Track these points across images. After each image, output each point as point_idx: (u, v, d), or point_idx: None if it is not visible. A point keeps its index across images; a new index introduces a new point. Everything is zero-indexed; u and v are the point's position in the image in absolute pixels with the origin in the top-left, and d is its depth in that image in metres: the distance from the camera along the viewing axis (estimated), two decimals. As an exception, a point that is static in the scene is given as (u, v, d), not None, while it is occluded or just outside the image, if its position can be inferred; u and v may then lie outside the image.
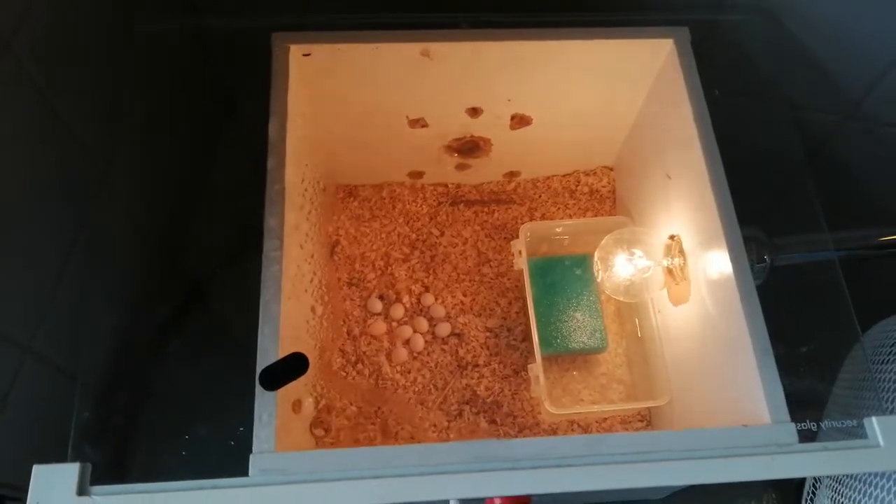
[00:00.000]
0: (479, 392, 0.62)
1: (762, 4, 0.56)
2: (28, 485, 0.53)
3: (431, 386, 0.63)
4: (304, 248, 0.50)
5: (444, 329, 0.65)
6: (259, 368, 0.41)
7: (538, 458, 0.39)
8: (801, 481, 0.62)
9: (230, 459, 0.39)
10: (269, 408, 0.40)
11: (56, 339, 0.53)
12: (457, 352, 0.64)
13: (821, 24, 0.57)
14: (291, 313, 0.45)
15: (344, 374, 0.62)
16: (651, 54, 0.55)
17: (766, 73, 0.58)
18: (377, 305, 0.66)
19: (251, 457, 0.39)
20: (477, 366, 0.63)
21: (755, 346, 0.44)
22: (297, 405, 0.46)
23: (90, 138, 0.54)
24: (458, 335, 0.65)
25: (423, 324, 0.65)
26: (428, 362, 0.64)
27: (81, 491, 0.38)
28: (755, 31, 0.58)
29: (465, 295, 0.66)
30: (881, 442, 0.41)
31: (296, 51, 0.51)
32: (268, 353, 0.42)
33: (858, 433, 0.42)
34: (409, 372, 0.63)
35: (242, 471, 0.38)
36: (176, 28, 0.58)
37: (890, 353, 0.52)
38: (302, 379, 0.43)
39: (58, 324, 0.52)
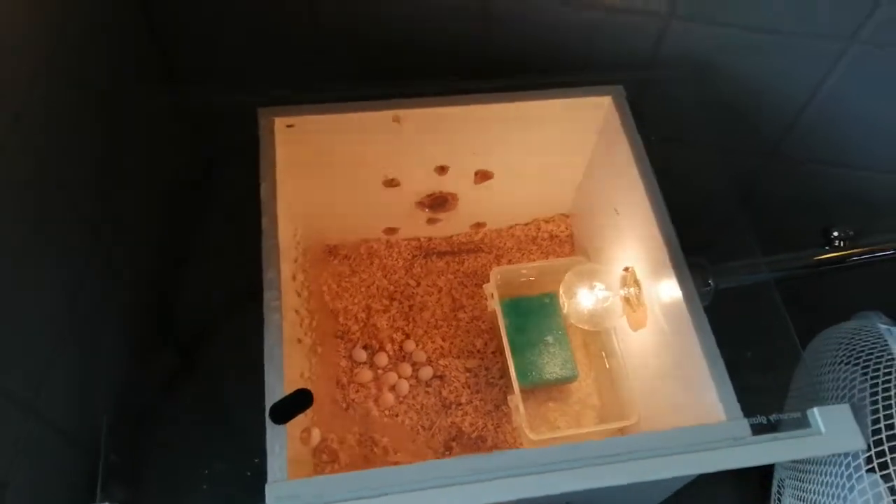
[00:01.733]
0: (464, 428, 0.67)
1: (688, 63, 0.65)
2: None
3: (419, 427, 0.67)
4: (300, 295, 0.55)
5: (426, 373, 0.69)
6: (267, 405, 0.45)
7: (525, 466, 0.44)
8: (768, 491, 0.67)
9: (247, 490, 0.42)
10: (280, 440, 0.44)
11: (56, 400, 0.56)
12: (440, 393, 0.69)
13: (739, 79, 0.66)
14: (294, 353, 0.50)
15: (342, 407, 0.65)
16: (593, 110, 0.62)
17: (695, 121, 0.66)
18: (362, 355, 0.70)
19: (266, 486, 0.43)
20: (460, 404, 0.68)
21: (706, 355, 0.49)
22: (305, 435, 0.50)
23: (86, 204, 0.58)
24: (441, 377, 0.69)
25: (407, 369, 0.70)
26: (414, 405, 0.68)
27: (111, 528, 0.41)
28: (684, 85, 0.66)
29: (443, 339, 0.71)
30: (822, 429, 0.47)
31: (280, 122, 0.57)
32: (274, 392, 0.46)
33: (803, 424, 0.48)
34: (397, 415, 0.67)
35: (260, 500, 0.42)
36: (161, 99, 0.64)
37: (828, 358, 0.58)
38: (308, 412, 0.47)
39: (57, 384, 0.55)
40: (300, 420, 0.48)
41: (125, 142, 0.62)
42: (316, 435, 0.54)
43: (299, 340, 0.61)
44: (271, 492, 0.42)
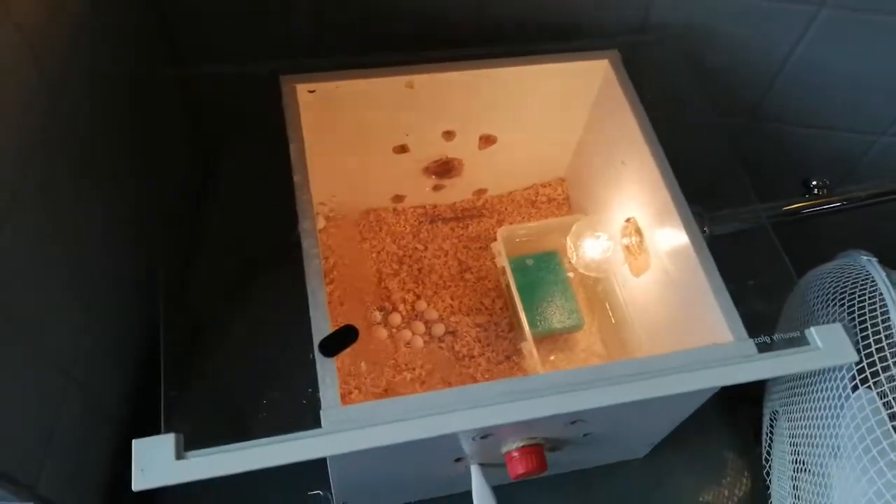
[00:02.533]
0: (477, 378, 0.70)
1: (675, 28, 0.70)
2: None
3: (436, 378, 0.70)
4: (330, 237, 0.58)
5: (439, 329, 0.73)
6: (315, 342, 0.48)
7: (556, 386, 0.48)
8: (759, 428, 0.72)
9: (301, 418, 0.46)
10: (330, 372, 0.47)
11: (93, 369, 0.58)
12: (453, 347, 0.72)
13: (722, 43, 0.71)
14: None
15: (360, 384, 0.69)
16: (591, 73, 0.67)
17: (682, 84, 0.71)
18: (377, 316, 0.73)
19: (321, 412, 0.46)
20: (473, 356, 0.72)
21: (711, 284, 0.54)
22: (353, 367, 0.53)
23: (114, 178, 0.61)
24: (453, 333, 0.73)
25: (420, 327, 0.73)
26: (430, 359, 0.71)
27: (179, 456, 0.44)
28: (671, 50, 0.71)
29: (452, 299, 0.75)
30: (819, 345, 0.51)
31: (301, 88, 0.61)
32: (321, 330, 0.49)
33: (801, 343, 0.52)
34: (414, 369, 0.71)
35: (315, 424, 0.45)
36: (169, 75, 0.66)
37: (814, 292, 0.64)
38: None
39: (93, 353, 0.58)
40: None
41: (138, 117, 0.64)
42: (362, 367, 0.57)
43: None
44: (326, 417, 0.46)
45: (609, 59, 0.66)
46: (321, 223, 0.60)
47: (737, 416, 0.76)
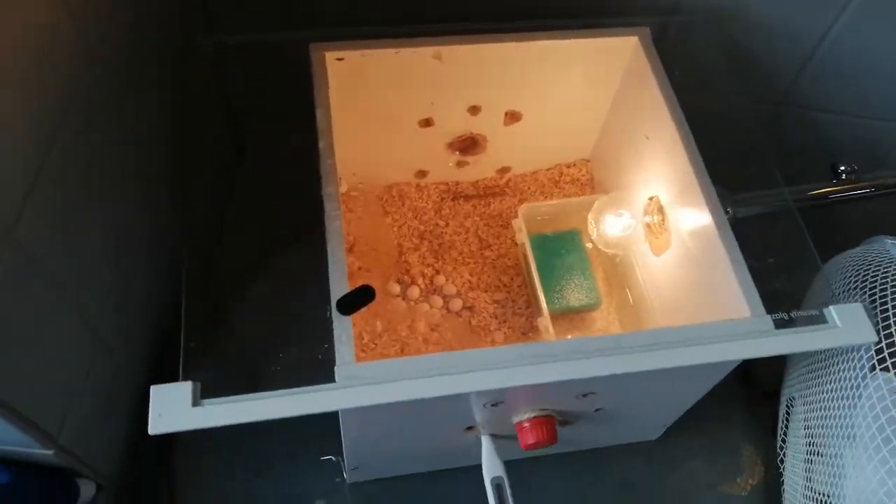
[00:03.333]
0: (494, 352, 0.71)
1: (707, 9, 0.69)
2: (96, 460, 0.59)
3: (453, 348, 0.71)
4: (351, 211, 0.59)
5: (456, 304, 0.73)
6: (333, 300, 0.49)
7: (572, 352, 0.48)
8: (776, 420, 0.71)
9: (316, 373, 0.46)
10: (346, 329, 0.48)
11: (118, 327, 0.60)
12: (470, 322, 0.73)
13: (754, 26, 0.70)
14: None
15: (374, 345, 0.69)
16: (620, 50, 0.67)
17: (712, 65, 0.70)
18: (396, 288, 0.74)
19: (336, 368, 0.46)
20: (489, 331, 0.72)
21: (731, 260, 0.54)
22: (369, 326, 0.54)
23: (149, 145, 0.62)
24: (470, 308, 0.73)
25: (438, 301, 0.74)
26: (446, 332, 0.72)
27: (195, 403, 0.45)
28: (700, 31, 0.70)
29: (471, 275, 0.75)
30: (838, 323, 0.51)
31: (330, 56, 0.61)
32: (339, 288, 0.50)
33: (821, 321, 0.52)
34: (430, 342, 0.71)
35: (329, 380, 0.46)
36: (204, 43, 0.67)
37: (838, 277, 0.63)
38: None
39: (119, 315, 0.59)
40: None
41: (174, 88, 0.66)
42: (378, 326, 0.58)
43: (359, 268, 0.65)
44: (340, 372, 0.46)
45: (639, 35, 0.66)
46: (344, 188, 0.61)
47: (753, 406, 0.76)
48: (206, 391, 0.45)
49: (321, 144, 0.56)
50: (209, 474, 0.69)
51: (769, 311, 0.52)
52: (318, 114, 0.58)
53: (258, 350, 0.56)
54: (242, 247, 0.69)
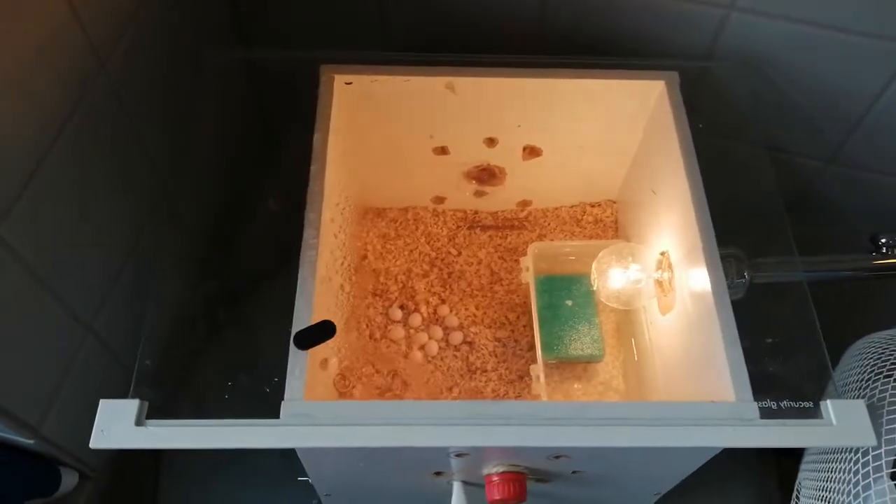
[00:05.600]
0: (485, 393, 0.68)
1: (747, 56, 0.65)
2: (79, 451, 0.60)
3: (443, 387, 0.69)
4: (337, 237, 0.58)
5: (456, 337, 0.71)
6: (294, 331, 0.48)
7: (527, 418, 0.45)
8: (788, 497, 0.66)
9: (265, 406, 0.46)
10: (300, 364, 0.47)
11: (115, 324, 0.61)
12: (467, 358, 0.71)
13: (800, 75, 0.65)
14: (323, 290, 0.52)
15: (371, 359, 0.68)
16: (645, 94, 0.63)
17: (749, 117, 0.66)
18: (398, 314, 0.73)
19: (283, 403, 0.46)
20: (485, 371, 0.70)
21: (724, 337, 0.50)
22: (324, 363, 0.53)
23: (156, 151, 0.63)
24: (470, 343, 0.71)
25: (438, 332, 0.72)
26: (441, 366, 0.70)
27: (139, 422, 0.45)
28: (741, 79, 0.66)
29: (477, 308, 0.73)
30: (834, 421, 0.46)
31: (339, 80, 0.61)
32: (301, 321, 0.49)
33: (816, 415, 0.47)
34: (424, 373, 0.70)
35: (274, 415, 0.45)
36: (233, 56, 0.68)
37: (856, 363, 0.57)
38: (328, 343, 0.50)
39: (116, 311, 0.60)
40: (322, 350, 0.51)
41: (198, 96, 0.67)
42: (333, 364, 0.57)
43: (341, 287, 0.64)
44: (286, 408, 0.45)
45: (666, 80, 0.62)
46: (337, 216, 0.60)
47: (763, 480, 0.70)
48: (154, 412, 0.45)
49: (312, 169, 0.56)
50: (195, 474, 0.70)
51: (763, 395, 0.48)
52: (316, 137, 0.57)
53: (216, 374, 0.56)
54: (239, 265, 0.69)
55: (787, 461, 0.67)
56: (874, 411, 0.50)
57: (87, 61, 0.53)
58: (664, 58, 0.65)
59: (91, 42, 0.53)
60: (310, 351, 0.48)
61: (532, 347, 0.70)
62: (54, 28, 0.49)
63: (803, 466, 0.63)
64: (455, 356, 0.71)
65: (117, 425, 0.44)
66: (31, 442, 0.57)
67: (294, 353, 0.47)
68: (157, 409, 0.45)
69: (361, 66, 0.61)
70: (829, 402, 0.47)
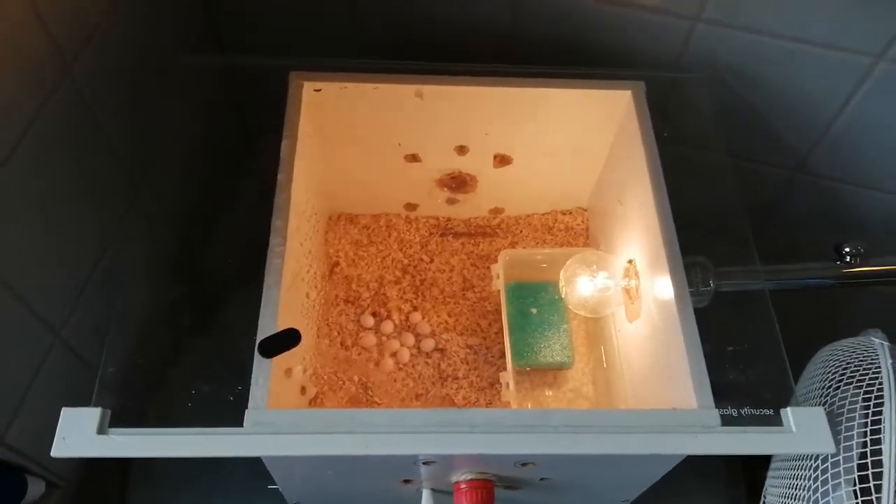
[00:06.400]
0: (456, 401, 0.69)
1: (714, 66, 0.66)
2: (46, 459, 0.59)
3: (414, 394, 0.69)
4: (303, 245, 0.58)
5: (428, 344, 0.71)
6: (258, 340, 0.48)
7: (492, 425, 0.46)
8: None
9: (233, 414, 0.45)
10: (264, 372, 0.47)
11: (81, 330, 0.60)
12: (439, 365, 0.71)
13: (765, 86, 0.66)
14: (289, 298, 0.52)
15: (343, 366, 0.68)
16: (612, 103, 0.64)
17: (715, 127, 0.66)
18: (369, 321, 0.73)
19: (246, 412, 0.45)
20: (456, 378, 0.70)
21: (687, 344, 0.50)
22: (288, 372, 0.53)
23: (125, 153, 0.63)
24: (441, 350, 0.72)
25: (410, 339, 0.72)
26: (412, 373, 0.70)
27: (101, 430, 0.44)
28: (707, 89, 0.66)
29: (449, 315, 0.73)
30: (794, 429, 0.47)
31: (308, 87, 0.61)
32: (266, 329, 0.49)
33: (776, 422, 0.48)
34: (395, 381, 0.70)
35: (238, 423, 0.45)
36: (205, 62, 0.68)
37: (819, 370, 0.58)
38: (294, 351, 0.50)
39: (84, 317, 0.60)
40: (287, 358, 0.51)
41: (168, 98, 0.66)
42: (298, 373, 0.57)
43: (307, 295, 0.64)
44: (250, 417, 0.45)
45: (632, 90, 0.63)
46: (303, 223, 0.60)
47: (732, 487, 0.71)
48: (116, 420, 0.45)
49: (280, 176, 0.56)
50: (165, 480, 0.69)
51: (725, 403, 0.49)
52: (283, 145, 0.57)
53: (181, 382, 0.55)
54: (208, 272, 0.69)
55: (754, 468, 0.68)
56: (835, 419, 0.51)
57: (52, 65, 0.52)
58: (632, 68, 0.66)
59: (57, 46, 0.52)
60: (275, 359, 0.48)
61: (503, 355, 0.71)
62: (16, 31, 0.48)
63: (769, 473, 0.64)
64: (427, 363, 0.71)
65: (79, 434, 0.44)
66: (-4, 450, 0.56)
67: (258, 361, 0.47)
68: (121, 418, 0.45)
69: (331, 73, 0.61)
70: (789, 409, 0.47)
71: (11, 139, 0.49)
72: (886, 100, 0.63)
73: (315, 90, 0.61)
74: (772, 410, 0.48)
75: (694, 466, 0.56)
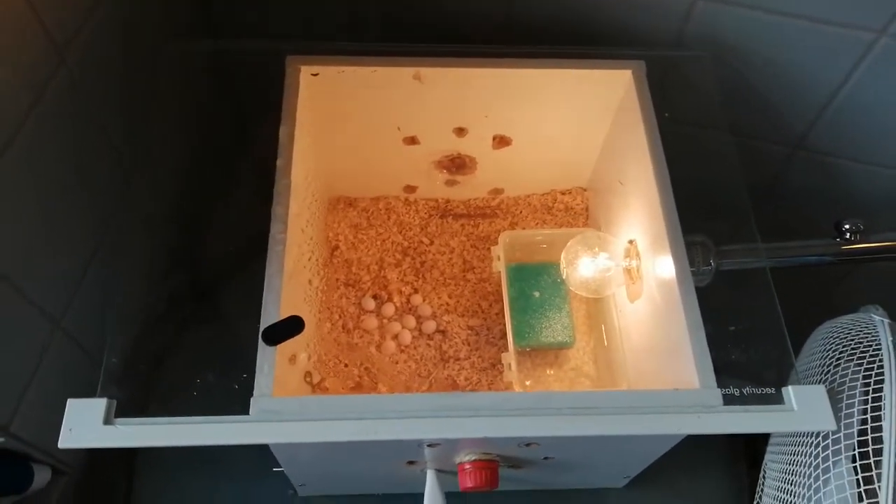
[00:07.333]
0: (459, 382, 0.69)
1: (714, 44, 0.65)
2: (51, 447, 0.60)
3: (416, 375, 0.69)
4: (304, 231, 0.58)
5: (429, 326, 0.72)
6: (262, 328, 0.48)
7: (495, 409, 0.46)
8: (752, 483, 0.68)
9: (238, 401, 0.46)
10: (269, 360, 0.47)
11: (82, 320, 0.60)
12: (440, 346, 0.71)
13: (765, 63, 0.66)
14: (292, 285, 0.52)
15: (344, 349, 0.69)
16: (612, 83, 0.63)
17: (716, 105, 0.66)
18: (370, 304, 0.73)
19: (251, 399, 0.46)
20: (458, 359, 0.70)
21: (689, 325, 0.50)
22: (293, 359, 0.53)
23: (121, 144, 0.62)
24: (443, 332, 0.72)
25: (411, 321, 0.72)
26: (414, 355, 0.71)
27: (107, 421, 0.45)
28: (708, 67, 0.66)
29: (450, 297, 0.74)
30: (795, 407, 0.47)
31: (305, 71, 0.60)
32: (269, 316, 0.49)
33: (777, 401, 0.48)
34: (397, 363, 0.70)
35: (243, 411, 0.45)
36: (199, 47, 0.67)
37: (818, 346, 0.59)
38: (298, 338, 0.50)
39: (84, 307, 0.60)
40: (291, 345, 0.51)
41: (162, 85, 0.66)
42: (303, 359, 0.57)
43: (310, 282, 0.64)
44: (255, 404, 0.46)
45: (632, 69, 0.62)
46: (304, 209, 0.60)
47: (733, 463, 0.72)
48: (122, 410, 0.45)
49: (279, 162, 0.55)
50: (170, 466, 0.70)
51: (727, 381, 0.49)
52: (282, 131, 0.57)
53: (186, 371, 0.56)
54: (209, 259, 0.69)
55: (755, 444, 0.69)
56: (835, 395, 0.51)
57: (45, 53, 0.52)
58: (632, 47, 0.65)
59: (49, 35, 0.52)
60: (279, 346, 0.48)
61: (505, 335, 0.71)
62: (6, 19, 0.48)
63: (769, 450, 0.64)
64: (428, 345, 0.71)
65: (85, 424, 0.44)
66: (2, 440, 0.56)
67: (262, 349, 0.47)
68: (126, 407, 0.45)
69: (328, 56, 0.61)
70: (790, 387, 0.48)
71: (9, 129, 0.49)
72: (889, 75, 0.63)
73: (312, 74, 0.60)
74: (773, 389, 0.48)
75: (695, 440, 0.57)
